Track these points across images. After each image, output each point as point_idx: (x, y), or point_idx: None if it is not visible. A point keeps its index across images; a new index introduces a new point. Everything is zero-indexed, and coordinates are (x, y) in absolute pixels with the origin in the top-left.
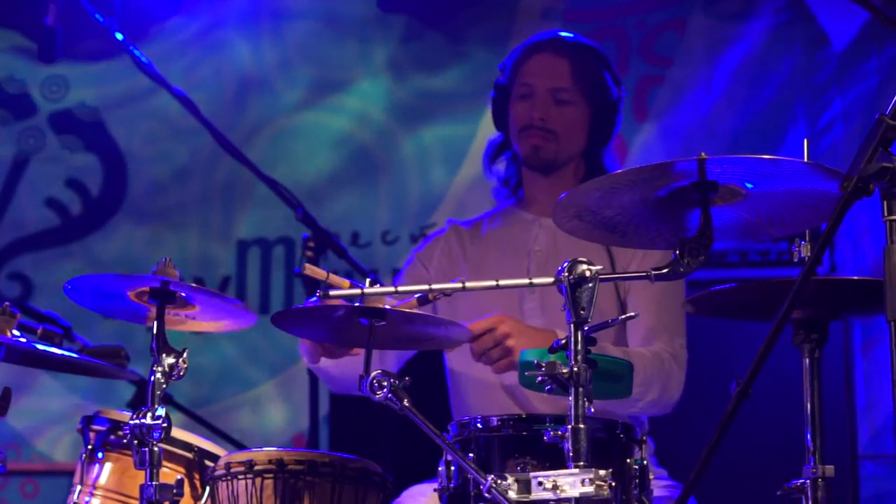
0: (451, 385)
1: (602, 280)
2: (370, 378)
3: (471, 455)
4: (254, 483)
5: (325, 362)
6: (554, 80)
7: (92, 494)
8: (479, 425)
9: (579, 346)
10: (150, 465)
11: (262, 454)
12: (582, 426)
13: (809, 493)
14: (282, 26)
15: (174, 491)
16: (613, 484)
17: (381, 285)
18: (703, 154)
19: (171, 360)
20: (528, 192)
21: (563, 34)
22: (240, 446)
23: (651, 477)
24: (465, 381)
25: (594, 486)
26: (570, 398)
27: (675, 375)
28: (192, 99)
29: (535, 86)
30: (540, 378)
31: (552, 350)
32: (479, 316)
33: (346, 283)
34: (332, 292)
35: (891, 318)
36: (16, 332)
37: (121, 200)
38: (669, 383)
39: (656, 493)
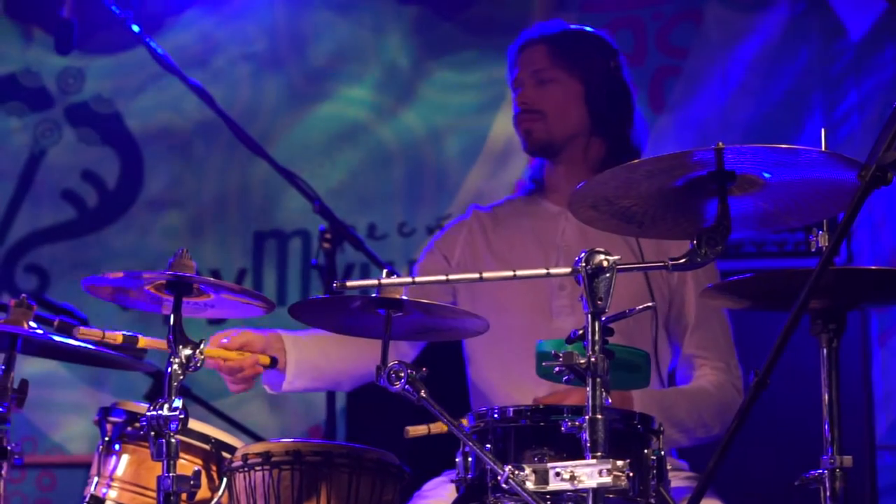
0: (471, 378)
1: (620, 270)
2: (387, 369)
3: (488, 446)
4: (271, 474)
5: (294, 384)
6: (533, 64)
7: (109, 486)
8: (496, 416)
9: (597, 337)
10: (167, 456)
11: (280, 445)
12: (600, 417)
13: (827, 484)
14: (297, 17)
15: (191, 482)
16: (631, 474)
17: (398, 276)
18: (720, 144)
19: (187, 351)
20: (550, 181)
21: (543, 24)
22: (257, 438)
23: (669, 467)
24: (486, 373)
25: (612, 476)
26: (588, 389)
27: (738, 404)
28: (209, 91)
29: (521, 78)
30: (557, 368)
31: (570, 340)
32: (502, 312)
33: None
34: (349, 283)
35: None
36: (32, 324)
37: (137, 192)
38: (723, 423)
39: (681, 484)
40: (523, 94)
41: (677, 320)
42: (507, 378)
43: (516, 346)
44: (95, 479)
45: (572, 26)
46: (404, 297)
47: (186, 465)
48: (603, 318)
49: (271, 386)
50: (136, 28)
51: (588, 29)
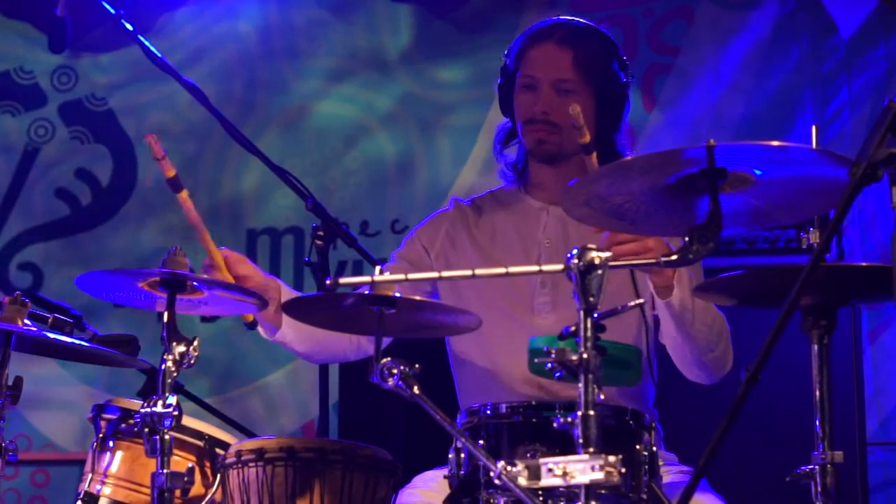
0: (456, 372)
1: (612, 267)
2: (380, 366)
3: (481, 442)
4: (264, 471)
5: (287, 335)
6: (557, 72)
7: (103, 483)
8: (488, 412)
9: (589, 333)
10: (161, 453)
11: (273, 442)
12: (592, 413)
13: (818, 479)
14: (290, 16)
15: (185, 479)
16: (623, 470)
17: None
18: (711, 141)
19: (181, 348)
20: (535, 178)
21: (567, 21)
22: (250, 434)
23: (661, 463)
24: (470, 368)
25: (604, 472)
26: (580, 385)
27: (730, 349)
28: (202, 88)
29: (538, 78)
30: (549, 365)
31: (562, 337)
32: (485, 308)
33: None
34: (341, 280)
35: None
36: (27, 322)
37: (130, 190)
38: (728, 353)
39: (671, 478)
40: (543, 102)
41: None
42: (490, 374)
43: (499, 343)
44: (89, 475)
45: (596, 27)
46: (397, 295)
47: (180, 461)
48: (595, 315)
49: (267, 331)
50: (129, 26)
51: (609, 35)
